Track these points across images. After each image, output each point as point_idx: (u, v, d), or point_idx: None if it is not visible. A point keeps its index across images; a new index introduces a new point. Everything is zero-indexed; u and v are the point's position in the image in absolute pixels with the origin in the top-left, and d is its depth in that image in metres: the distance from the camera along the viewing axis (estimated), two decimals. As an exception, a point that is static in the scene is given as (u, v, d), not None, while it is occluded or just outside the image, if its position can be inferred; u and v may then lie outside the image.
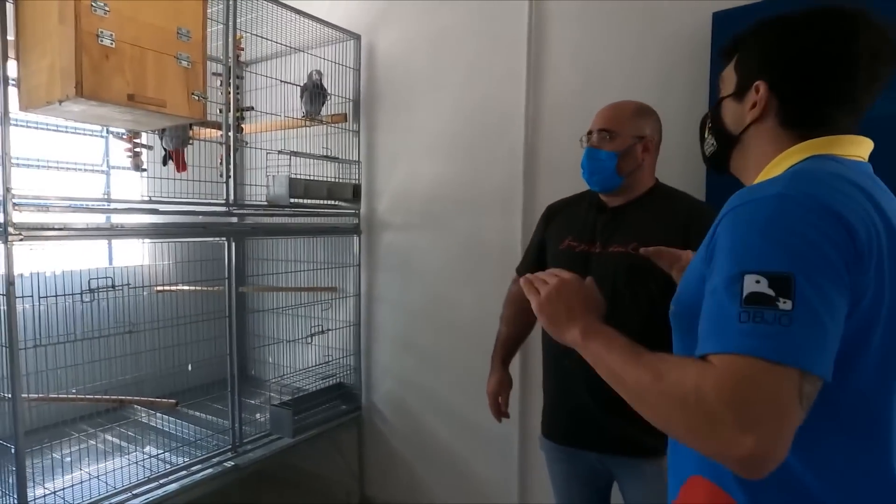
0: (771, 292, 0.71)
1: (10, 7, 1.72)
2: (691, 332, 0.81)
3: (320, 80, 2.67)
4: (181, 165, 2.42)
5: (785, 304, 0.70)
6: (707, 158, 1.05)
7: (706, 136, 1.05)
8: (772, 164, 0.90)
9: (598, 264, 1.54)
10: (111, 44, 1.68)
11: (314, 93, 2.66)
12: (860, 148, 0.90)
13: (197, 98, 1.93)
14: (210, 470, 2.27)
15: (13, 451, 1.73)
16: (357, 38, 2.82)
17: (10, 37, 1.74)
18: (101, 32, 1.66)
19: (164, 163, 2.40)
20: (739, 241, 0.76)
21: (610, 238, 1.56)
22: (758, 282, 0.72)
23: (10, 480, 1.77)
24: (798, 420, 0.69)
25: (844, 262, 0.73)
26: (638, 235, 1.50)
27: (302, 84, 2.68)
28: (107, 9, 1.66)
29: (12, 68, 1.75)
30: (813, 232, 0.73)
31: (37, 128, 2.23)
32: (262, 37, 2.58)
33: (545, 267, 1.73)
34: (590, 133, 1.60)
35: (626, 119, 1.57)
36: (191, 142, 2.43)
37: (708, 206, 1.61)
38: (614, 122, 1.57)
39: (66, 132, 2.38)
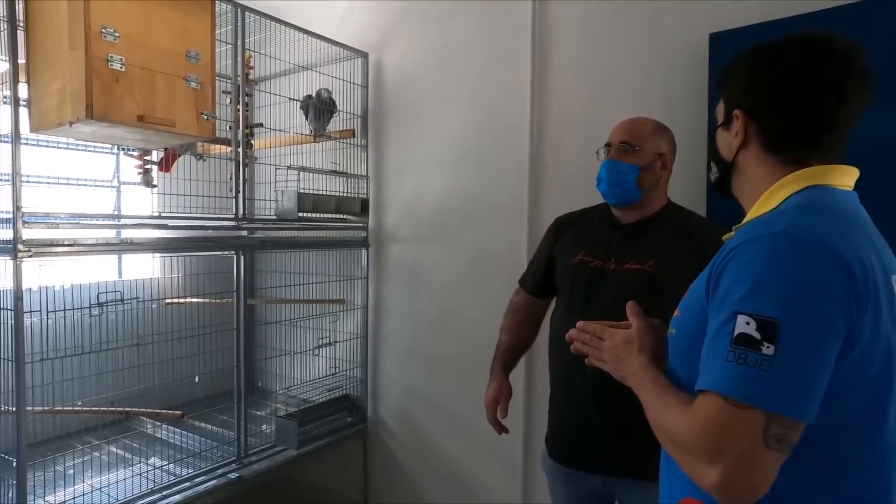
0: (757, 335, 0.74)
1: (20, 33, 1.78)
2: (692, 353, 0.85)
3: (328, 97, 2.70)
4: (167, 167, 2.40)
5: (768, 349, 0.73)
6: (713, 185, 1.10)
7: (710, 163, 1.09)
8: (769, 192, 0.91)
9: (613, 280, 1.53)
10: (121, 67, 1.73)
11: (319, 109, 2.69)
12: (850, 177, 0.91)
13: (206, 118, 1.97)
14: (214, 481, 2.28)
15: (15, 464, 1.75)
16: (364, 56, 2.86)
17: (21, 60, 1.79)
18: (111, 57, 1.70)
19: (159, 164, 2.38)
20: (740, 279, 0.78)
21: (626, 255, 1.54)
22: (748, 323, 0.75)
23: (10, 494, 1.78)
24: (766, 457, 0.73)
25: (841, 308, 0.74)
26: (655, 253, 1.49)
27: (301, 101, 2.70)
28: (116, 34, 1.71)
29: (23, 91, 1.79)
30: (811, 277, 0.75)
31: (48, 146, 2.27)
32: (270, 56, 2.62)
33: (553, 281, 1.72)
34: (608, 145, 1.58)
35: (648, 134, 1.56)
36: (202, 158, 2.47)
37: (721, 229, 1.60)
38: (636, 136, 1.55)
39: (77, 150, 2.43)
